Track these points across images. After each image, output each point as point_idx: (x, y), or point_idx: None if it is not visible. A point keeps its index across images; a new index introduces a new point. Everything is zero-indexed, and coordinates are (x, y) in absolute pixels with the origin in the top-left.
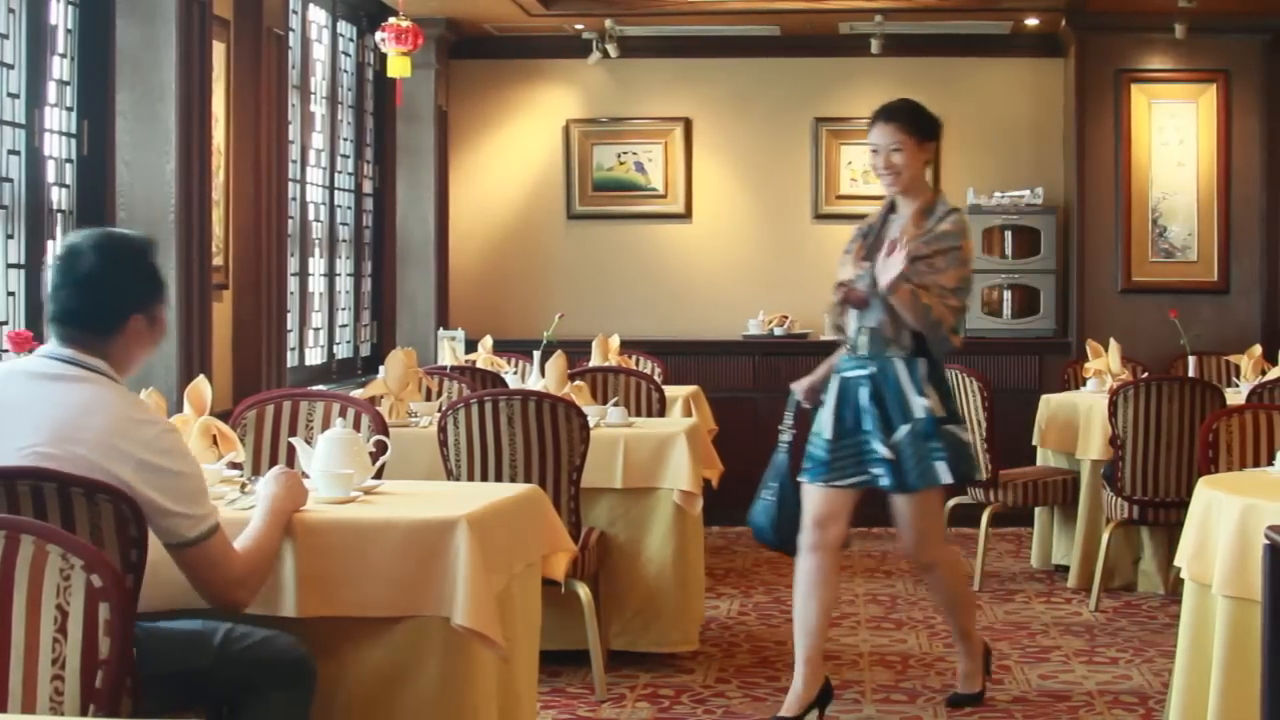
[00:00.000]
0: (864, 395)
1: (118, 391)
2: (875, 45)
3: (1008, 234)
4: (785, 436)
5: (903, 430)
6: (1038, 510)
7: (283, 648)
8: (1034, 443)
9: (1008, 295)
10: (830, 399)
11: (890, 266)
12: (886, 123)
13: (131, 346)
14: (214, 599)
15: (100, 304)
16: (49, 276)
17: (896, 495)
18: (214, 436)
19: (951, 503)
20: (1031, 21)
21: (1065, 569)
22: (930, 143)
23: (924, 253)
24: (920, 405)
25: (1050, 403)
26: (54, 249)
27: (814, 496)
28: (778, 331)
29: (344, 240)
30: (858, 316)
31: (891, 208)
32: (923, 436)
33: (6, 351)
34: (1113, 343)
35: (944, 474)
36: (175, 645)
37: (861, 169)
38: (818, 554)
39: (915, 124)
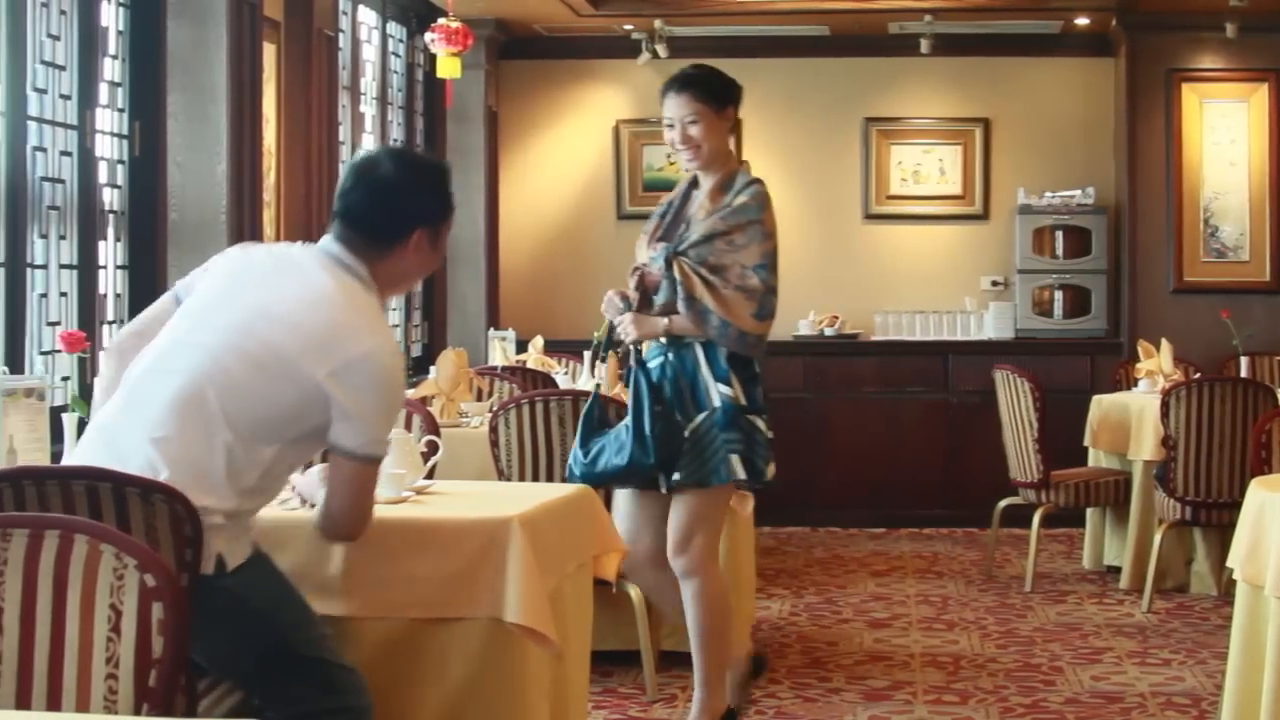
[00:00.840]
0: (666, 384)
1: (364, 298)
2: (925, 45)
3: (1058, 234)
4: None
5: (699, 419)
6: (1090, 511)
7: (357, 685)
8: (1085, 443)
9: (1059, 296)
10: (631, 390)
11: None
12: (679, 93)
13: (410, 261)
14: (334, 521)
15: (390, 211)
16: (341, 179)
17: (676, 491)
18: None
19: (1003, 503)
20: (1082, 21)
21: (1117, 570)
22: (729, 109)
23: (721, 229)
24: (720, 394)
25: (1102, 403)
26: (106, 249)
27: (618, 509)
28: (828, 332)
29: None
30: (654, 301)
31: (694, 183)
32: (719, 427)
33: (59, 352)
34: (1164, 343)
35: (737, 469)
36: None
37: (913, 169)
38: (645, 573)
39: (712, 91)
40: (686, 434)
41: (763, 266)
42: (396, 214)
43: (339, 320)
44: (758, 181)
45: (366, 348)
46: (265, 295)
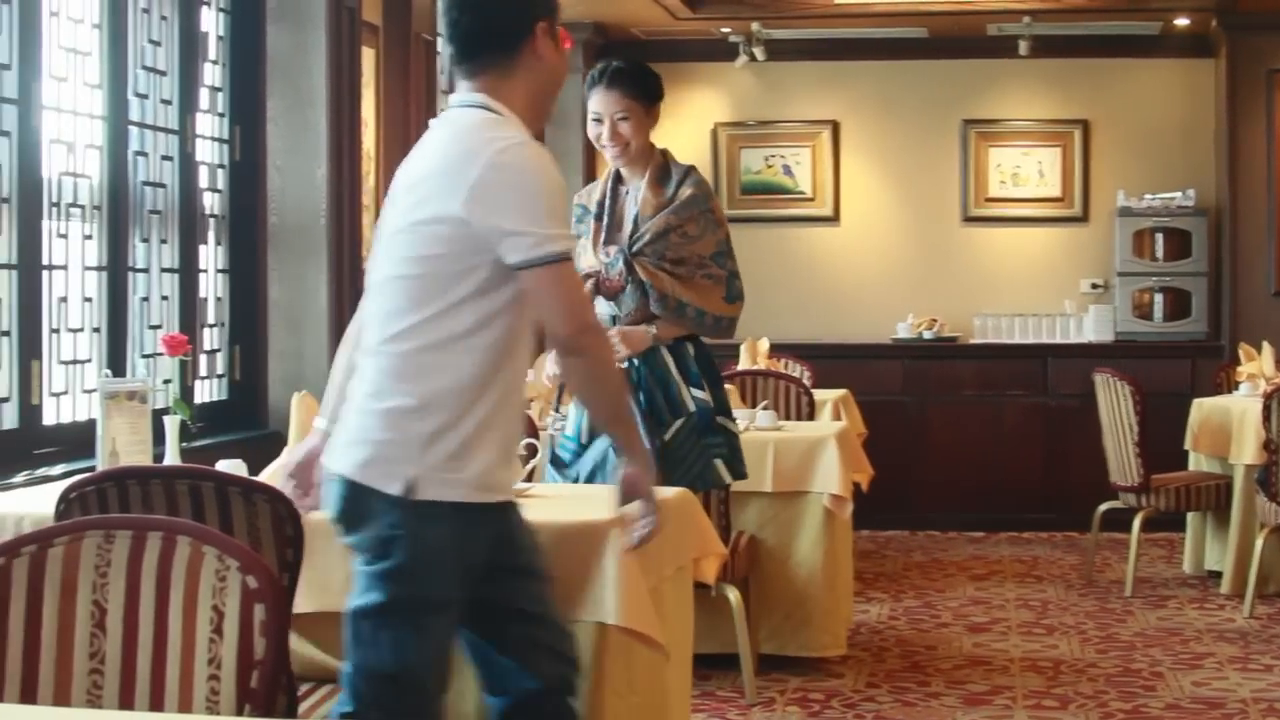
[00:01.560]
0: (639, 392)
1: (491, 125)
2: (1023, 47)
3: (1159, 236)
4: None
5: (676, 425)
6: (1190, 515)
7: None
8: (1186, 447)
9: (1159, 298)
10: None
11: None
12: (610, 88)
13: (543, 63)
14: (561, 329)
15: (501, 10)
16: (440, 18)
17: None
18: None
19: (1103, 507)
20: (1181, 22)
21: (1218, 575)
22: (657, 106)
23: (674, 224)
24: (694, 398)
25: (1203, 407)
26: (207, 253)
27: None
28: (927, 335)
29: None
30: (610, 305)
31: (618, 178)
32: (699, 431)
33: (160, 355)
34: (1266, 346)
35: (724, 474)
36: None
37: (1012, 171)
38: None
39: (643, 88)
40: (665, 439)
41: (720, 254)
42: (509, 9)
43: (456, 151)
44: (693, 169)
45: (486, 155)
46: (399, 201)
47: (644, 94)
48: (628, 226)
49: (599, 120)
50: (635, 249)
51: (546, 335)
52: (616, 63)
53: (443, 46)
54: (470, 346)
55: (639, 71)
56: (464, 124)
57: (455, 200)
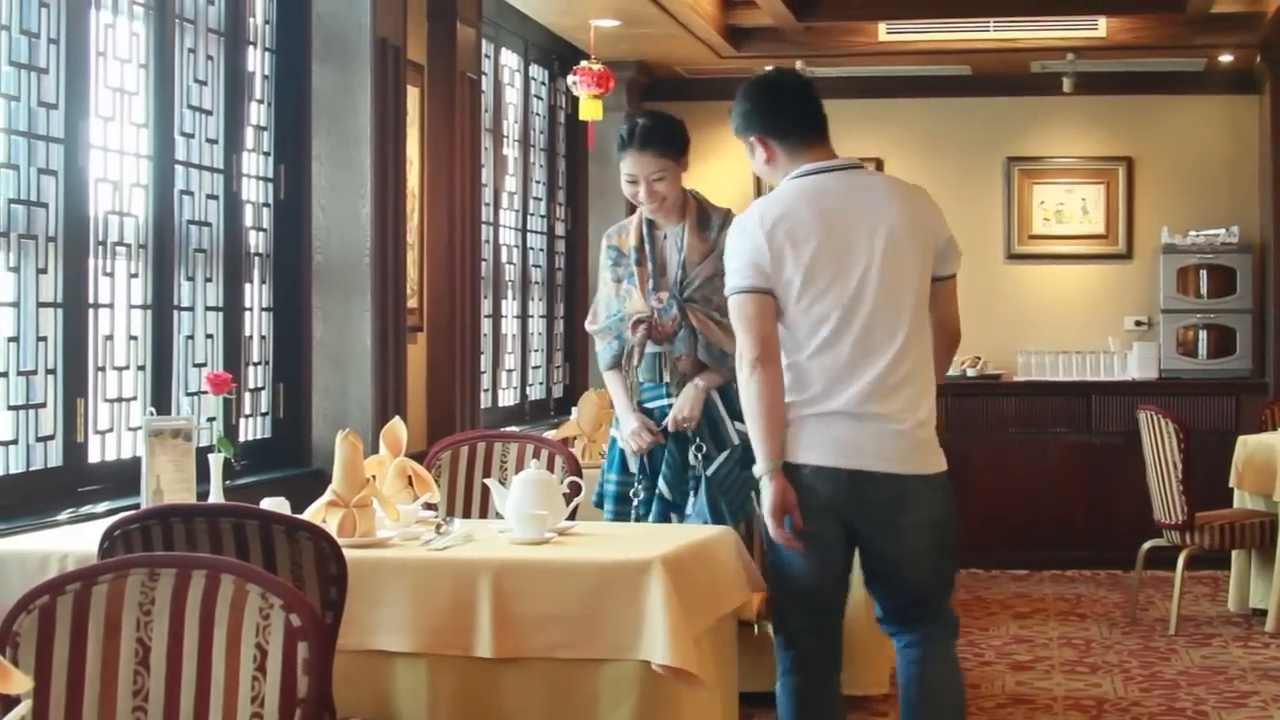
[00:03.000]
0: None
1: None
2: (1067, 84)
3: (1203, 273)
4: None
5: (721, 458)
6: (1235, 553)
7: None
8: (1231, 484)
9: (1203, 335)
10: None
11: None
12: (642, 151)
13: None
14: (954, 329)
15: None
16: (775, 105)
17: None
18: (409, 477)
19: (1147, 545)
20: (1226, 58)
21: (1263, 613)
22: (686, 156)
23: (721, 269)
24: (738, 431)
25: (1247, 444)
26: (251, 291)
27: None
28: (970, 372)
29: (536, 282)
30: (658, 346)
31: (651, 222)
32: (741, 465)
33: (205, 393)
34: None
35: (755, 505)
36: None
37: (1055, 208)
38: None
39: (675, 145)
40: (710, 473)
41: None
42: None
43: (923, 194)
44: (730, 212)
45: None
46: (890, 220)
47: (676, 150)
48: (674, 271)
49: (634, 181)
50: (687, 295)
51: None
52: (644, 121)
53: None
54: None
55: (668, 129)
56: (889, 179)
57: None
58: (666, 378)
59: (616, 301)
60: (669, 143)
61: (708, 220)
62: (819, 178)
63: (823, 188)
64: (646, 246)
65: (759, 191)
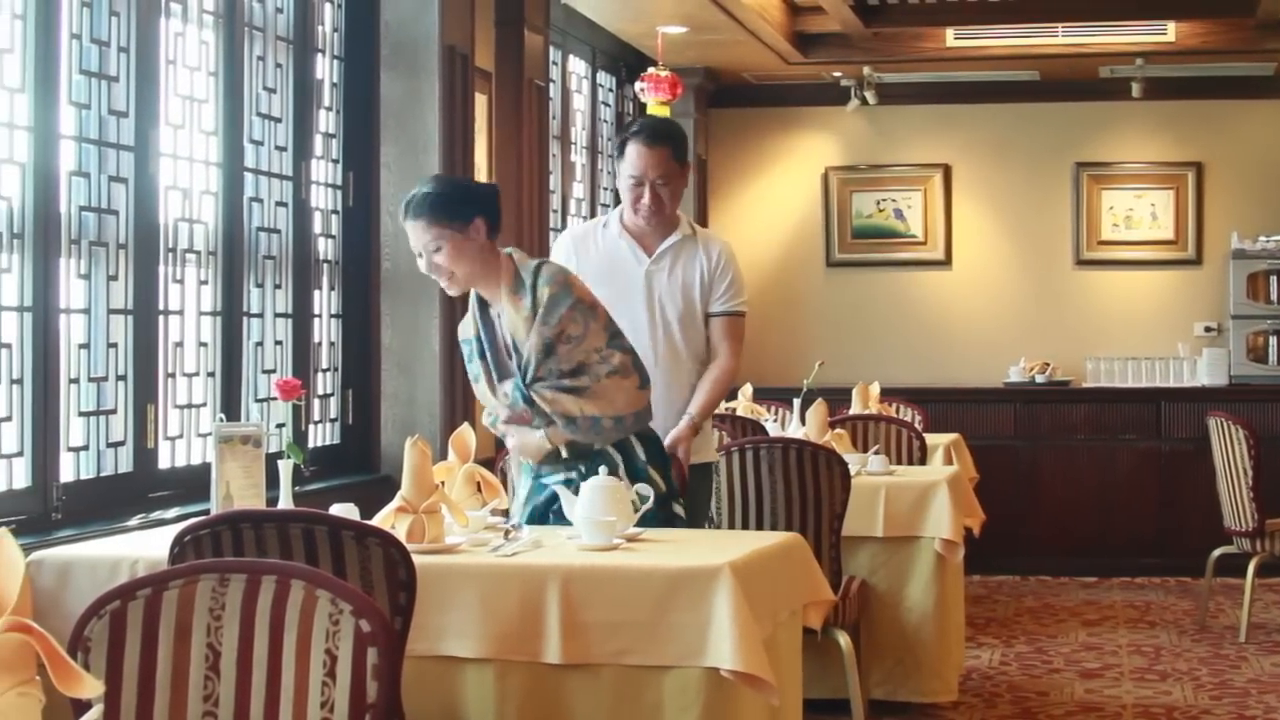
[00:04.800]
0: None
1: None
2: (1136, 89)
3: (1273, 279)
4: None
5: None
6: None
7: None
8: None
9: (1273, 341)
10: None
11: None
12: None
13: None
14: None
15: None
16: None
17: None
18: (478, 484)
19: (1217, 552)
20: None
21: None
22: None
23: (552, 334)
24: (645, 493)
25: None
26: (320, 298)
27: None
28: (1039, 379)
29: None
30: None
31: (481, 302)
32: (658, 522)
33: (274, 399)
34: None
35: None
36: None
37: (1124, 214)
38: None
39: (684, 151)
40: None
41: (613, 335)
42: None
43: None
44: (542, 264)
45: None
46: None
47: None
48: (508, 362)
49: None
50: (529, 379)
51: None
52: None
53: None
54: None
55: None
56: None
57: None
58: (565, 453)
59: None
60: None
61: (520, 284)
62: None
63: None
64: (482, 334)
65: (827, 196)
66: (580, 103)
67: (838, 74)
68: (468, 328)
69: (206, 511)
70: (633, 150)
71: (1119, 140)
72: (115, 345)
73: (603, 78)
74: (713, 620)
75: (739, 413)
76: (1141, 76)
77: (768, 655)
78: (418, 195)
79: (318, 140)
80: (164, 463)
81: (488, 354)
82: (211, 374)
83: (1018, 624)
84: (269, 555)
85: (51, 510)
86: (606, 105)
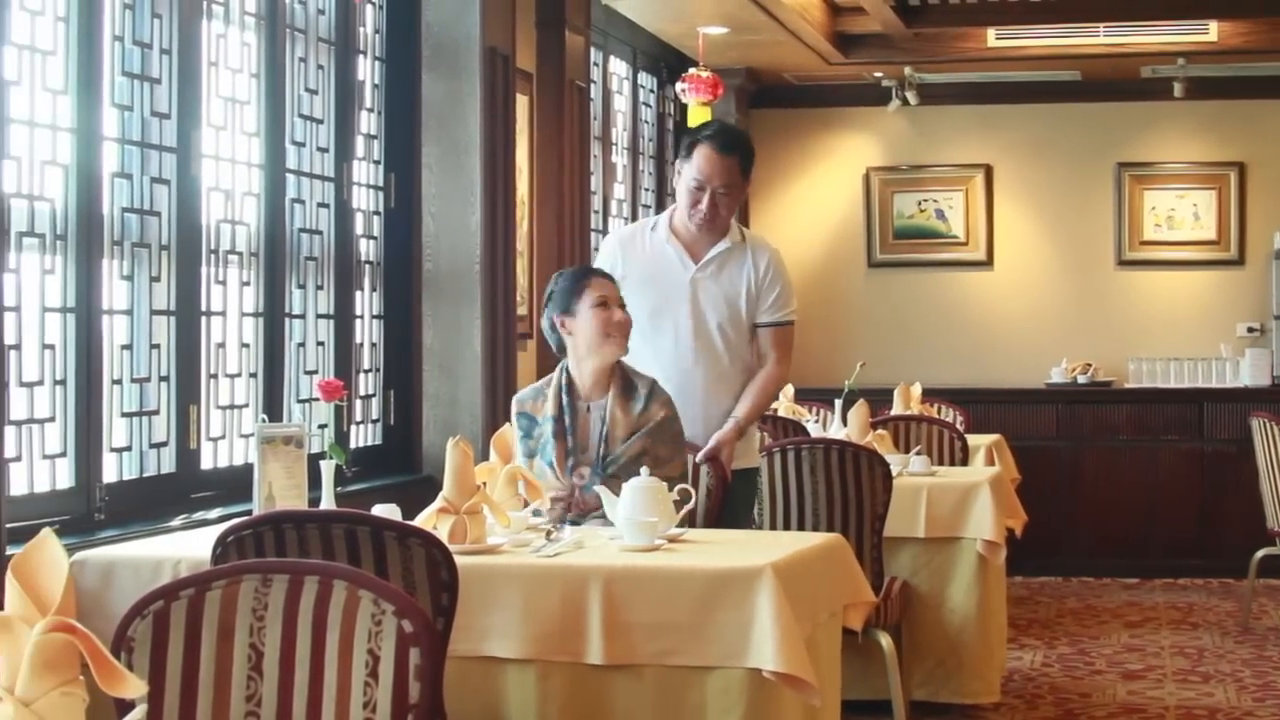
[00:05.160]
0: None
1: None
2: (1178, 89)
3: None
4: None
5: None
6: None
7: None
8: None
9: None
10: None
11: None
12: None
13: None
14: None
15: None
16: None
17: None
18: (520, 484)
19: (1260, 553)
20: None
21: None
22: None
23: (647, 448)
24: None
25: None
26: (362, 299)
27: None
28: (1081, 380)
29: None
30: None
31: (570, 390)
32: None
33: (316, 400)
34: None
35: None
36: None
37: (1166, 214)
38: None
39: (750, 165)
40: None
41: (684, 476)
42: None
43: None
44: (655, 384)
45: None
46: None
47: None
48: (596, 447)
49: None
50: (610, 471)
51: None
52: (731, 129)
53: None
54: None
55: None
56: None
57: None
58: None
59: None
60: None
61: (633, 390)
62: None
63: None
64: (566, 418)
65: (868, 197)
66: (621, 104)
67: (879, 74)
68: (542, 406)
69: (249, 512)
70: (702, 154)
71: (1161, 140)
72: (158, 346)
73: (644, 78)
74: (755, 621)
75: (780, 413)
76: (1183, 76)
77: (810, 654)
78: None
79: (359, 141)
80: (206, 463)
81: (569, 437)
82: (254, 375)
83: (1060, 625)
84: (311, 556)
85: (94, 510)
86: (647, 106)
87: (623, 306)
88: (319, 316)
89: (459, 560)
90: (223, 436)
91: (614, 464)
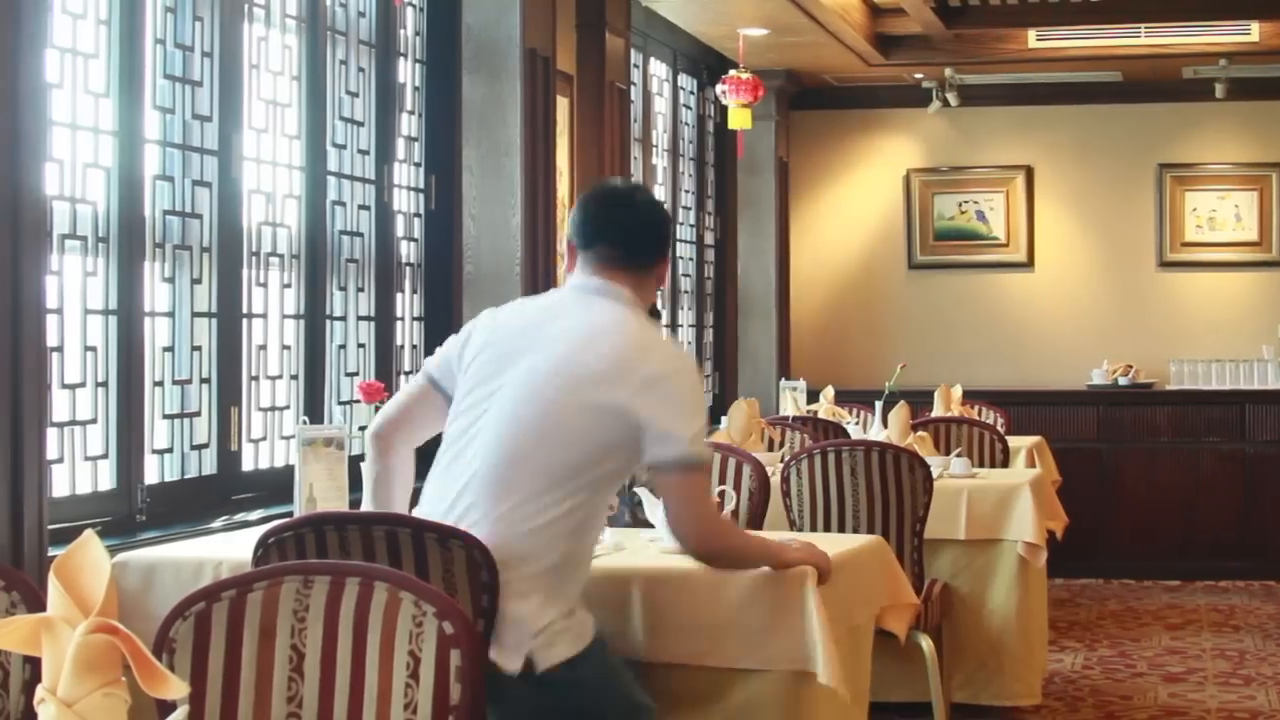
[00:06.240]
0: None
1: (641, 317)
2: (1220, 90)
3: None
4: None
5: None
6: None
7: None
8: None
9: None
10: None
11: None
12: None
13: (653, 286)
14: (686, 537)
15: (656, 235)
16: (590, 211)
17: None
18: None
19: None
20: None
21: None
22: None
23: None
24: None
25: None
26: (403, 301)
27: None
28: (1122, 381)
29: (686, 291)
30: None
31: None
32: None
33: (357, 402)
34: None
35: None
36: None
37: (1208, 215)
38: None
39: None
40: None
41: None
42: (660, 239)
43: (631, 343)
44: None
45: (665, 363)
46: (550, 349)
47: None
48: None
49: None
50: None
51: (672, 537)
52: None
53: (589, 238)
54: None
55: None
56: (621, 313)
57: (624, 390)
58: None
59: None
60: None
61: None
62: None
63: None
64: None
65: (908, 198)
66: (661, 105)
67: (919, 75)
68: None
69: (290, 514)
70: None
71: (1202, 141)
72: (199, 348)
73: (684, 80)
74: (794, 623)
75: (821, 415)
76: (1225, 77)
77: (840, 656)
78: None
79: (400, 144)
80: (247, 465)
81: None
82: (294, 377)
83: (1100, 627)
84: (352, 557)
85: (136, 512)
86: (688, 108)
87: None
88: (360, 318)
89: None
90: (264, 438)
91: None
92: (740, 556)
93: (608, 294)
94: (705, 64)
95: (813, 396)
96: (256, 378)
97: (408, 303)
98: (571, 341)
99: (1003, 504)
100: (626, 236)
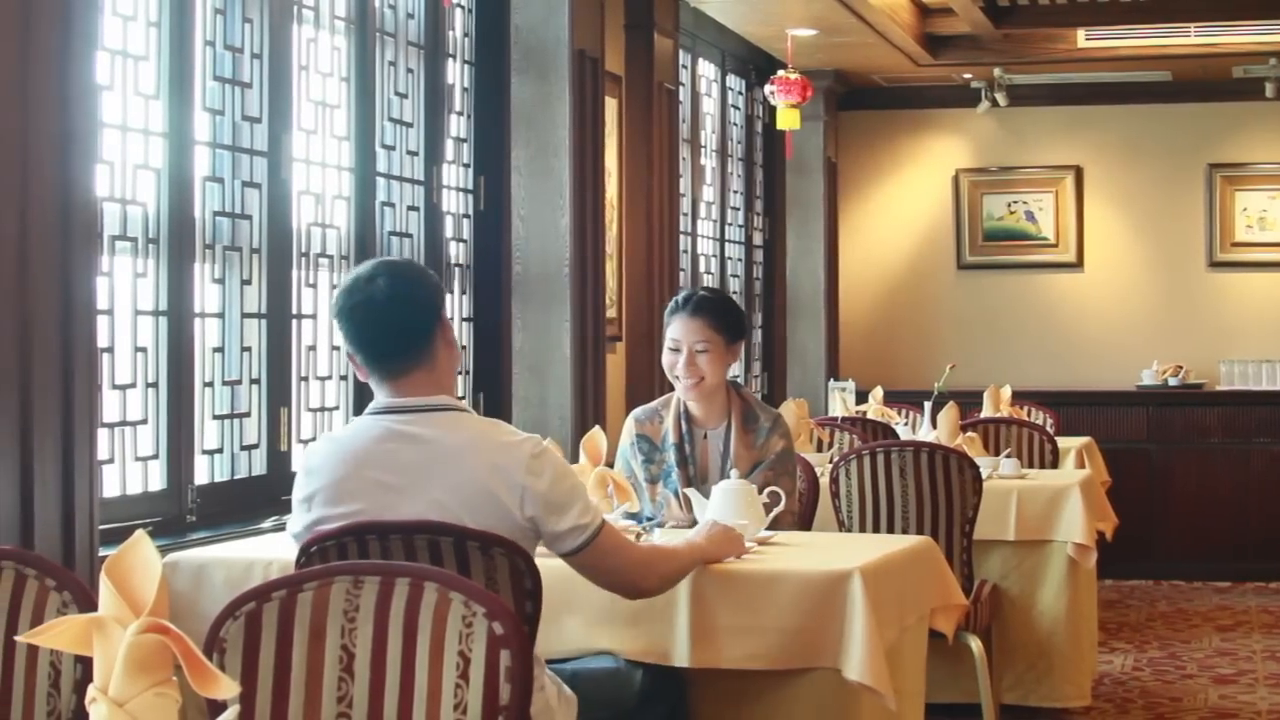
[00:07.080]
0: None
1: (472, 419)
2: (1270, 89)
3: None
4: None
5: None
6: None
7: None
8: None
9: None
10: None
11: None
12: (693, 317)
13: (447, 352)
14: (622, 588)
15: (410, 322)
16: (346, 329)
17: None
18: (610, 486)
19: None
20: None
21: None
22: (737, 345)
23: (770, 480)
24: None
25: None
26: (452, 302)
27: None
28: (1172, 382)
29: (735, 292)
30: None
31: (689, 416)
32: None
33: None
34: None
35: None
36: (599, 686)
37: (1258, 215)
38: None
39: (726, 321)
40: None
41: (795, 515)
42: (418, 320)
43: (490, 446)
44: (779, 417)
45: (526, 445)
46: (406, 496)
47: (727, 328)
48: (717, 477)
49: (676, 350)
50: None
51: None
52: (703, 291)
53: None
54: None
55: (726, 305)
56: (456, 422)
57: (514, 493)
58: None
59: (651, 506)
60: (720, 316)
61: (754, 421)
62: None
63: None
64: (687, 446)
65: (957, 198)
66: (710, 106)
67: (968, 75)
68: (661, 429)
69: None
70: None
71: (1252, 141)
72: (249, 349)
73: (732, 81)
74: (841, 625)
75: (870, 416)
76: (1275, 76)
77: (893, 659)
78: (698, 294)
79: (449, 145)
80: (297, 465)
81: (690, 465)
82: (344, 377)
83: (1150, 629)
84: None
85: (186, 512)
86: (736, 108)
87: (703, 351)
88: None
89: (547, 561)
90: (314, 438)
91: None
92: (676, 576)
93: (436, 408)
94: (754, 64)
95: (861, 397)
96: (306, 378)
97: (457, 303)
98: (433, 473)
99: (1052, 505)
100: (390, 353)
